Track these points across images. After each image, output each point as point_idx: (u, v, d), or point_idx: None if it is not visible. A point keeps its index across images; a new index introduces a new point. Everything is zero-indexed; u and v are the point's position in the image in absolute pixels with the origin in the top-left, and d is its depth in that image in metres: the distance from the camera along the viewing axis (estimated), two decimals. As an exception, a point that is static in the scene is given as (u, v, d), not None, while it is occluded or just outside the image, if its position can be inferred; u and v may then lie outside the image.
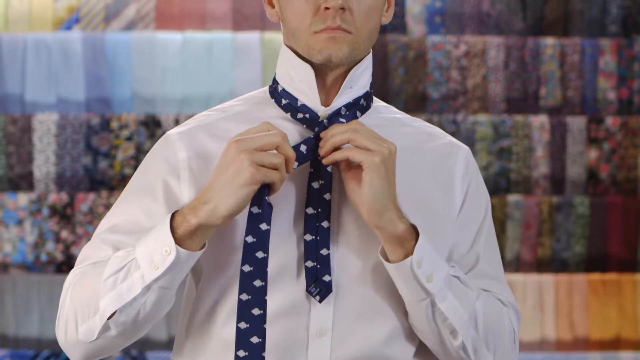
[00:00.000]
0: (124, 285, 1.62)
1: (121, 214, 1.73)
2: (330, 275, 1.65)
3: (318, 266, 1.66)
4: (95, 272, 1.66)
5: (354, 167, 1.64)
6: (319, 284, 1.65)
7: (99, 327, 1.64)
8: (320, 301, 1.65)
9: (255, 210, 1.63)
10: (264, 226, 1.63)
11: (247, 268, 1.62)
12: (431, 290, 1.65)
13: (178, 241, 1.60)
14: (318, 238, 1.66)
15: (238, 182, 1.59)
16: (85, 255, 1.72)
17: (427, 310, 1.66)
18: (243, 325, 1.63)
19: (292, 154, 1.62)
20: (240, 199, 1.59)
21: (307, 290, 1.65)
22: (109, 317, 1.63)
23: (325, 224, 1.67)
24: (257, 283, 1.63)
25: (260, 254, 1.63)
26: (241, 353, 1.63)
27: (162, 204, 1.70)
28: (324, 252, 1.66)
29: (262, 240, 1.63)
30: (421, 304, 1.66)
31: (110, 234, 1.71)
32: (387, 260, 1.65)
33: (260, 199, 1.62)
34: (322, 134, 1.67)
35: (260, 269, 1.63)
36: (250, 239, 1.63)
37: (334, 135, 1.65)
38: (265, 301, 1.62)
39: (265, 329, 1.62)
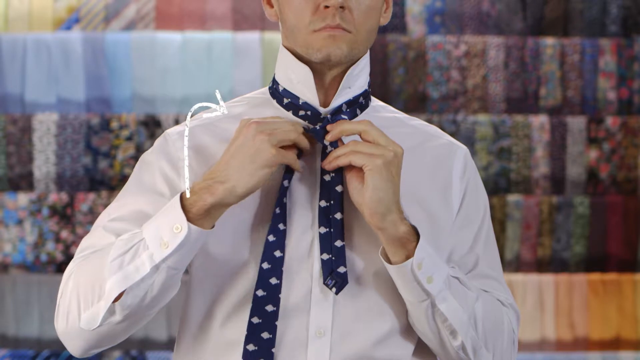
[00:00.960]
0: (131, 266, 1.61)
1: (124, 206, 1.72)
2: (345, 266, 1.65)
3: (333, 258, 1.66)
4: (98, 258, 1.65)
5: (358, 167, 1.65)
6: (334, 275, 1.65)
7: (104, 311, 1.62)
8: (337, 293, 1.65)
9: (271, 238, 1.65)
10: (277, 253, 1.65)
11: (260, 292, 1.64)
12: (431, 292, 1.65)
13: (191, 220, 1.59)
14: (332, 230, 1.66)
15: (259, 162, 1.59)
16: (87, 244, 1.71)
17: (427, 311, 1.66)
18: (256, 320, 1.64)
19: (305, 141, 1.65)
20: (260, 180, 1.60)
21: (324, 283, 1.65)
22: (115, 299, 1.61)
23: (338, 215, 1.67)
24: (269, 308, 1.64)
25: (273, 280, 1.65)
26: (251, 347, 1.64)
27: (168, 197, 1.70)
28: (338, 243, 1.66)
29: (276, 266, 1.65)
30: (421, 305, 1.66)
31: (113, 222, 1.71)
32: (388, 261, 1.66)
33: (276, 226, 1.66)
34: (329, 127, 1.67)
35: (273, 293, 1.65)
36: (271, 237, 1.65)
37: (345, 124, 1.65)
38: (275, 326, 1.64)
39: (276, 326, 1.64)
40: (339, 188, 1.67)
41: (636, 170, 4.70)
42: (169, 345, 4.47)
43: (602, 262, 4.65)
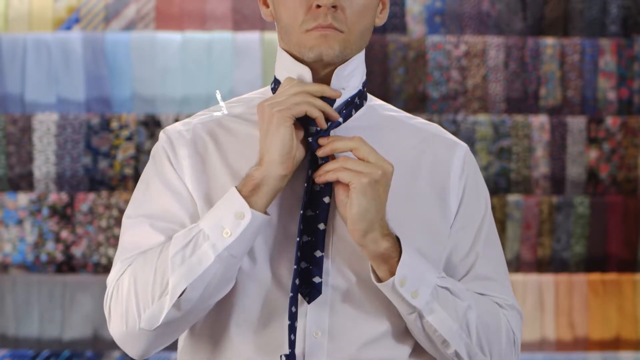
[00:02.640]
0: (193, 258, 1.61)
1: (153, 203, 1.72)
2: (320, 277, 1.66)
3: (310, 267, 1.66)
4: (153, 256, 1.65)
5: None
6: (308, 285, 1.66)
7: (168, 308, 1.61)
8: (309, 302, 1.66)
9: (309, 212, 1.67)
10: (321, 226, 1.67)
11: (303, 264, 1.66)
12: (417, 306, 1.66)
13: (246, 201, 1.61)
14: (313, 239, 1.67)
15: (274, 127, 1.61)
16: (130, 243, 1.71)
17: (416, 322, 1.68)
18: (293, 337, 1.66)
19: (316, 88, 1.65)
20: (281, 139, 1.61)
21: (298, 291, 1.65)
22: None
23: (321, 226, 1.67)
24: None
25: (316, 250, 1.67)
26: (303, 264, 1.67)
27: (185, 195, 1.71)
28: (317, 253, 1.67)
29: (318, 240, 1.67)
30: (410, 317, 1.67)
31: (155, 221, 1.70)
32: (376, 275, 1.67)
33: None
34: (321, 141, 1.67)
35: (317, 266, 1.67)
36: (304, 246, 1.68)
37: (336, 141, 1.65)
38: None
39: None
40: (326, 199, 1.68)
41: (636, 170, 4.70)
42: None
43: (602, 262, 4.65)
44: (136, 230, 1.71)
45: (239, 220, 1.60)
